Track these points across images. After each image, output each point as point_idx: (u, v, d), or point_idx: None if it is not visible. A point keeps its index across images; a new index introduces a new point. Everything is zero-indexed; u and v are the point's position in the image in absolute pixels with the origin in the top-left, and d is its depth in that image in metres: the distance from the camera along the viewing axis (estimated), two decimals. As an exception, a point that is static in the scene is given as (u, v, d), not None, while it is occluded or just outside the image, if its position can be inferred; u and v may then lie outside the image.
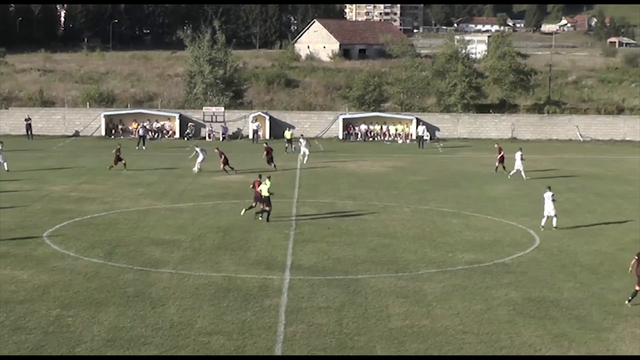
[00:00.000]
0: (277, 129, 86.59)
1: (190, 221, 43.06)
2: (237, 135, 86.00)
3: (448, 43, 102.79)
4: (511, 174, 59.46)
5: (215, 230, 40.88)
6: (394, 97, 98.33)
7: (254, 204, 43.83)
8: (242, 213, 44.01)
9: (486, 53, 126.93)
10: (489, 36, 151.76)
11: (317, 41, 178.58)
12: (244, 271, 33.06)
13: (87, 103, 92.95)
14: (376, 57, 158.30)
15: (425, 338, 25.73)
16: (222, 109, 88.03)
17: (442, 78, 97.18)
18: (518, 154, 59.70)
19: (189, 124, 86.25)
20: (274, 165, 62.04)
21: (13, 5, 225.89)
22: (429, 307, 28.69)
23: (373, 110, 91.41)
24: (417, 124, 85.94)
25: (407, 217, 44.97)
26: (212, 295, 29.70)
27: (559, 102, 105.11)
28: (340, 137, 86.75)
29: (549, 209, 42.26)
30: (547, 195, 42.49)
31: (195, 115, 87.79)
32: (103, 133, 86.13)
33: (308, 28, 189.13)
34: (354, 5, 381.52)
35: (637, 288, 28.91)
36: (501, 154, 61.77)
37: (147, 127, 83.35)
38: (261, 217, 43.22)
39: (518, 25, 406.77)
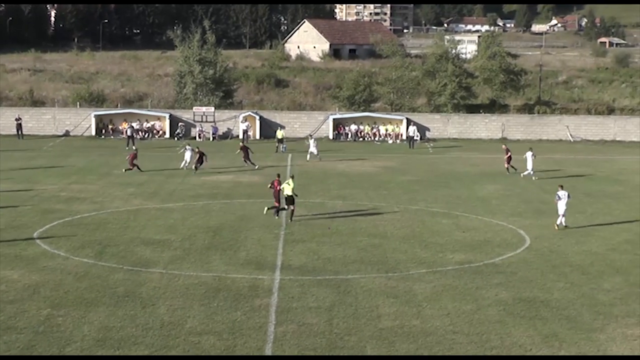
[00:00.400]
0: (267, 129, 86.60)
1: (181, 221, 43.02)
2: (227, 135, 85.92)
3: (438, 43, 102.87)
4: (524, 174, 59.63)
5: (206, 230, 40.85)
6: (384, 97, 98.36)
7: (276, 203, 44.14)
8: (264, 212, 44.20)
9: (476, 53, 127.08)
10: (479, 36, 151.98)
11: (307, 41, 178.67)
12: (234, 271, 33.04)
13: (78, 103, 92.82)
14: (366, 57, 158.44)
15: (415, 338, 25.74)
16: (212, 109, 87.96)
17: (432, 78, 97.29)
18: (529, 154, 59.97)
19: (179, 124, 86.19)
20: (252, 163, 62.70)
21: (3, 5, 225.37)
22: (419, 307, 28.70)
23: (363, 111, 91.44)
24: (408, 124, 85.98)
25: (397, 217, 44.99)
26: (202, 295, 29.67)
27: (549, 102, 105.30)
28: (331, 137, 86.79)
29: (562, 208, 42.42)
30: (562, 193, 42.69)
31: (185, 115, 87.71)
32: (93, 133, 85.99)
33: (298, 28, 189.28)
34: (344, 5, 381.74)
35: None
36: (509, 154, 62.02)
37: (136, 126, 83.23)
38: (277, 216, 43.64)
39: (508, 25, 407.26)
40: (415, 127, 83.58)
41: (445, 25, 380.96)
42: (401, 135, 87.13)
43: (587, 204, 49.72)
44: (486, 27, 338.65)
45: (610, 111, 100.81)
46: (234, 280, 31.71)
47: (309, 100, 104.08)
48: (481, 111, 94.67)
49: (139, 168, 60.11)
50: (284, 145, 75.07)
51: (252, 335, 25.70)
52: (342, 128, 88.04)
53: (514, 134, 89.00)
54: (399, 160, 70.54)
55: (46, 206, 46.32)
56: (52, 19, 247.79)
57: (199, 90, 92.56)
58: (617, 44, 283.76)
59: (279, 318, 27.32)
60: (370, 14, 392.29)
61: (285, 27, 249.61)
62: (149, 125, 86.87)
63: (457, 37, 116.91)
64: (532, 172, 59.44)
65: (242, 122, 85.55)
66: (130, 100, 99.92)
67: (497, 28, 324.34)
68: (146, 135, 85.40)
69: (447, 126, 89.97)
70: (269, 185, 45.30)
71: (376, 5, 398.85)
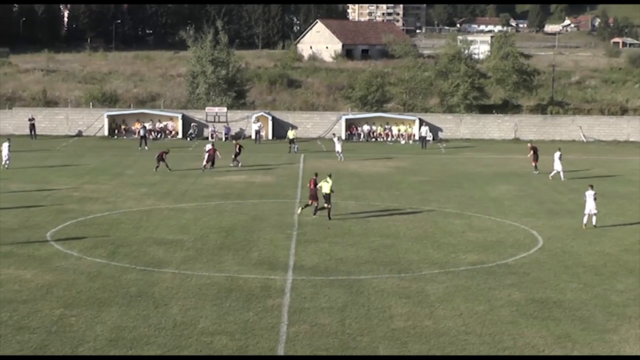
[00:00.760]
0: (280, 129, 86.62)
1: (193, 221, 43.07)
2: (239, 136, 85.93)
3: (451, 43, 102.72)
4: (552, 174, 59.59)
5: (218, 230, 40.89)
6: (396, 98, 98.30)
7: (309, 202, 44.50)
8: (298, 212, 44.69)
9: (489, 53, 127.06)
10: (491, 36, 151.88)
11: (319, 41, 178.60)
12: (247, 271, 33.05)
13: (90, 103, 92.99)
14: (379, 57, 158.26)
15: (427, 339, 25.71)
16: (225, 109, 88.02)
17: (444, 78, 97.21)
18: (557, 155, 59.98)
19: (192, 124, 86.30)
20: (238, 163, 62.93)
21: (16, 5, 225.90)
22: (432, 308, 28.66)
23: (376, 111, 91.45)
24: (420, 125, 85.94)
25: (410, 217, 44.96)
26: (214, 295, 29.69)
27: (562, 102, 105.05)
28: (343, 137, 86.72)
29: (590, 207, 42.67)
30: (589, 193, 42.93)
31: (197, 115, 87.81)
32: (106, 133, 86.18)
33: (310, 28, 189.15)
34: (356, 5, 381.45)
35: None
36: (535, 153, 62.11)
37: (149, 127, 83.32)
38: (315, 214, 43.92)
39: (521, 25, 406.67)
40: (427, 128, 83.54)
41: (458, 25, 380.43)
42: (413, 135, 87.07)
43: (600, 205, 49.37)
44: (499, 28, 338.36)
45: (624, 111, 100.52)
46: (246, 280, 31.73)
47: (321, 100, 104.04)
48: (494, 111, 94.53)
49: (167, 166, 60.54)
50: (297, 146, 75.10)
51: (264, 336, 25.70)
52: (355, 128, 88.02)
53: (527, 134, 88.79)
54: (411, 160, 70.49)
55: (59, 206, 46.42)
56: (65, 19, 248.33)
57: (212, 91, 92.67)
58: (630, 44, 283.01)
59: (292, 318, 27.32)
60: (383, 14, 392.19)
61: (298, 28, 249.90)
62: (161, 125, 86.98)
63: (470, 38, 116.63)
64: (561, 173, 59.36)
65: (254, 122, 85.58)
66: (142, 100, 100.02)
67: (509, 28, 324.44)
68: (159, 136, 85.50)
69: (459, 126, 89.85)
70: (308, 185, 45.66)
71: (389, 5, 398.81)
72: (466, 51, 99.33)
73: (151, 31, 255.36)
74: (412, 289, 30.96)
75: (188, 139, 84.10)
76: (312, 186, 44.54)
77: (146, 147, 75.32)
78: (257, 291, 30.27)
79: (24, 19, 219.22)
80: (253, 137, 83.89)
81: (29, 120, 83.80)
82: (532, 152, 62.94)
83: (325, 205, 43.79)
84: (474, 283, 31.81)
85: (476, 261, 35.34)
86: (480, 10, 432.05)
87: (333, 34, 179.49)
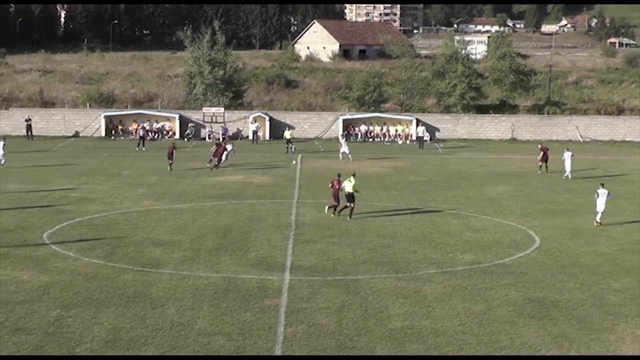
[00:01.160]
0: (277, 129, 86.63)
1: (190, 222, 43.06)
2: (237, 136, 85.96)
3: (448, 43, 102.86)
4: (566, 174, 59.75)
5: (215, 230, 40.89)
6: (393, 98, 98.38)
7: (336, 203, 44.75)
8: (326, 211, 44.97)
9: (486, 53, 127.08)
10: (488, 37, 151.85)
11: (316, 42, 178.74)
12: (244, 272, 33.05)
13: (87, 104, 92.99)
14: (376, 57, 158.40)
15: (425, 339, 25.72)
16: (222, 109, 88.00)
17: (442, 79, 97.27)
18: (567, 154, 60.09)
19: (189, 124, 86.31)
20: (214, 164, 62.85)
21: (13, 5, 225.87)
22: (429, 308, 28.68)
23: (373, 111, 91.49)
24: (417, 125, 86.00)
25: (407, 217, 44.96)
26: (212, 296, 29.69)
27: (559, 102, 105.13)
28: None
29: (600, 205, 43.02)
30: (602, 192, 43.21)
31: (195, 115, 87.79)
32: (103, 134, 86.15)
33: (308, 29, 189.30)
34: (353, 5, 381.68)
35: None
36: (544, 154, 62.25)
37: (147, 127, 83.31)
38: (338, 214, 44.30)
39: (518, 25, 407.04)
40: (424, 128, 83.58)
41: (455, 25, 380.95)
42: (411, 135, 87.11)
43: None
44: (496, 28, 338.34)
45: (620, 111, 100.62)
46: (243, 280, 31.73)
47: (318, 100, 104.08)
48: (491, 112, 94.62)
49: (171, 162, 61.14)
50: (294, 146, 75.10)
51: (261, 336, 25.71)
52: (352, 129, 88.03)
53: (524, 134, 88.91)
54: (408, 160, 70.51)
55: (56, 207, 46.37)
56: (62, 19, 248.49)
57: (209, 91, 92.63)
58: (626, 44, 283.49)
59: (289, 319, 27.32)
60: (380, 14, 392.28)
61: (295, 28, 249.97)
62: (158, 126, 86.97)
63: (467, 38, 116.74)
64: (569, 172, 59.65)
65: (251, 122, 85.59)
66: (140, 101, 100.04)
67: (506, 28, 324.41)
68: (156, 136, 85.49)
69: (456, 127, 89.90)
70: (330, 185, 45.98)
71: (386, 5, 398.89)
72: (463, 51, 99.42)
73: (148, 31, 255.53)
74: (410, 289, 30.97)
75: (185, 139, 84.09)
76: (335, 187, 44.87)
77: (144, 148, 75.34)
78: (254, 291, 30.27)
79: (20, 19, 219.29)
80: (250, 137, 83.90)
81: (26, 121, 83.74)
82: (542, 153, 63.06)
83: (348, 204, 44.07)
84: (471, 283, 31.83)
85: (473, 261, 35.35)
86: (477, 11, 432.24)
87: (330, 34, 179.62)
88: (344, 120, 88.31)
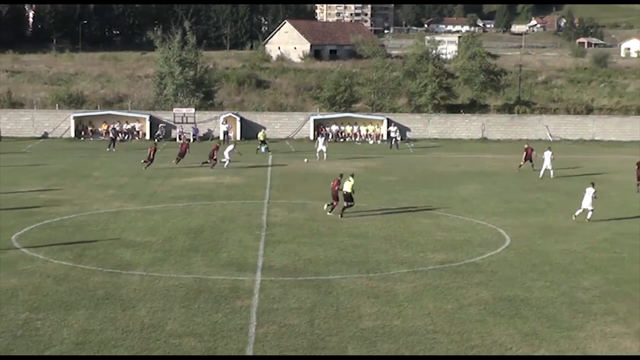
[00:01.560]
0: (248, 130, 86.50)
1: (161, 223, 42.89)
2: (207, 137, 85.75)
3: (418, 43, 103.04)
4: (542, 174, 60.05)
5: (186, 231, 40.75)
6: (364, 98, 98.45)
7: (333, 203, 45.15)
8: (325, 208, 45.33)
9: (456, 53, 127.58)
10: (459, 37, 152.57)
11: (287, 42, 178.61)
12: (215, 272, 32.96)
13: (57, 104, 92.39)
14: (347, 57, 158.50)
15: (396, 338, 25.75)
16: (193, 110, 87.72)
17: (412, 78, 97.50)
18: (547, 154, 60.40)
19: (160, 125, 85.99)
20: (176, 161, 63.75)
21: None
22: (401, 307, 28.70)
23: (344, 111, 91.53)
24: (389, 125, 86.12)
25: (378, 217, 45.00)
26: (183, 297, 29.58)
27: (528, 102, 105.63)
28: (311, 137, 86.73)
29: (586, 203, 43.93)
30: (589, 190, 44.13)
31: (165, 116, 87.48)
32: (72, 134, 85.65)
33: (279, 29, 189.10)
34: (324, 5, 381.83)
35: None
36: (529, 154, 62.65)
37: (117, 128, 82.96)
38: (340, 215, 44.43)
39: (488, 25, 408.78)
40: (396, 128, 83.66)
41: (426, 25, 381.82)
42: (382, 135, 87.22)
43: (567, 203, 49.81)
44: (466, 28, 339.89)
45: (589, 111, 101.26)
46: (214, 281, 31.64)
47: (289, 101, 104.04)
48: (461, 111, 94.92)
49: (149, 162, 61.63)
50: (266, 146, 75.03)
51: (233, 337, 25.65)
52: (323, 129, 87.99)
53: (494, 134, 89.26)
54: (379, 160, 70.59)
55: (25, 209, 45.99)
56: (31, 19, 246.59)
57: (180, 92, 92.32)
58: (595, 44, 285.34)
59: (260, 319, 27.27)
60: (351, 14, 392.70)
61: (266, 28, 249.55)
62: (128, 126, 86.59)
63: (438, 38, 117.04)
64: (551, 171, 60.23)
65: (222, 123, 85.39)
66: (110, 101, 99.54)
67: (477, 28, 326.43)
68: (126, 137, 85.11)
69: (427, 126, 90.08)
70: (332, 184, 46.17)
71: (357, 5, 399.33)
72: (434, 51, 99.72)
73: (118, 32, 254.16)
74: (381, 288, 30.99)
75: (156, 140, 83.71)
76: (335, 186, 45.16)
77: (114, 149, 75.00)
78: (225, 292, 30.19)
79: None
80: (221, 138, 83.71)
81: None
82: (525, 153, 63.48)
83: (346, 203, 44.55)
84: (442, 282, 31.89)
85: (444, 260, 35.43)
86: (448, 11, 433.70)
87: (301, 34, 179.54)
88: (315, 120, 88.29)
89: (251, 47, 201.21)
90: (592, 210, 43.96)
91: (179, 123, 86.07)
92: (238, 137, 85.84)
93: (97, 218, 43.96)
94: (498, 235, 40.87)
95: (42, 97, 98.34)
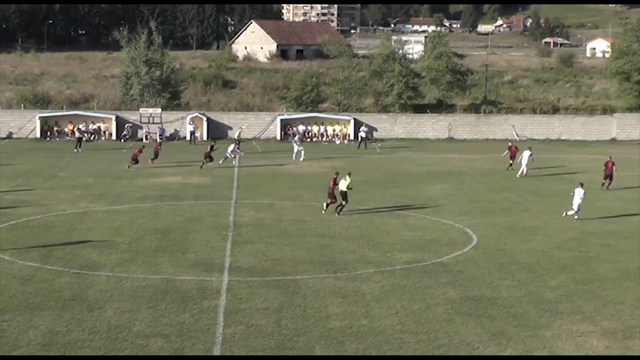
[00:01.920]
0: (215, 130, 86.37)
1: (128, 223, 42.72)
2: (174, 137, 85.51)
3: (385, 43, 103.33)
4: (519, 174, 60.36)
5: (153, 232, 40.60)
6: (331, 98, 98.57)
7: (329, 201, 45.73)
8: (323, 211, 45.62)
9: (423, 53, 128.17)
10: (425, 36, 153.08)
11: (254, 42, 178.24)
12: (182, 273, 32.86)
13: (22, 104, 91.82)
14: (314, 57, 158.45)
15: (364, 338, 25.77)
16: (159, 110, 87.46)
17: (379, 78, 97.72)
18: (526, 153, 60.83)
19: (126, 125, 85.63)
20: (152, 160, 63.78)
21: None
22: (368, 307, 28.73)
23: (311, 111, 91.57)
24: (356, 125, 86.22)
25: (346, 217, 45.02)
26: (150, 298, 29.47)
27: (495, 101, 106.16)
28: (278, 137, 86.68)
29: (575, 203, 44.45)
30: (578, 191, 44.66)
31: (132, 116, 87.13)
32: (38, 135, 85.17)
33: (245, 29, 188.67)
34: (291, 5, 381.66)
35: None
36: (514, 152, 63.12)
37: (83, 129, 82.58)
38: (338, 213, 45.03)
39: (454, 25, 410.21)
40: (367, 129, 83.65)
41: (392, 25, 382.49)
42: (349, 135, 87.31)
43: (533, 202, 50.15)
44: (433, 28, 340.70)
45: (555, 110, 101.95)
46: (182, 282, 31.55)
47: (256, 101, 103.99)
48: (428, 111, 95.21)
49: (135, 162, 62.15)
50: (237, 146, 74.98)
51: (200, 337, 25.58)
52: (290, 129, 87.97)
53: (461, 133, 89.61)
54: (346, 160, 70.59)
55: (-9, 209, 45.73)
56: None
57: (146, 92, 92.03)
58: (561, 44, 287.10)
59: (228, 320, 27.22)
60: (318, 14, 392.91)
61: (233, 28, 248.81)
62: (94, 127, 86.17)
63: (404, 38, 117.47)
64: (525, 170, 60.72)
65: (189, 123, 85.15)
66: (75, 101, 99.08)
67: (443, 28, 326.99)
68: (92, 137, 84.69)
69: (394, 126, 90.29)
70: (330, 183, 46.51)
71: (323, 5, 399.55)
72: (400, 51, 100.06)
73: (84, 32, 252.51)
74: (348, 288, 31.01)
75: (122, 140, 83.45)
76: (331, 184, 45.62)
77: (80, 149, 74.61)
78: (192, 293, 30.11)
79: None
80: (188, 138, 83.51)
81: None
82: (509, 151, 63.95)
83: (342, 202, 45.25)
84: (410, 282, 31.96)
85: (412, 260, 35.50)
86: (414, 11, 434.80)
87: (268, 34, 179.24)
88: (282, 120, 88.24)
89: (218, 47, 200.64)
90: (577, 212, 44.53)
91: (145, 123, 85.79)
92: (205, 137, 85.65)
93: (63, 219, 43.72)
94: (465, 234, 41.01)
95: (7, 98, 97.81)
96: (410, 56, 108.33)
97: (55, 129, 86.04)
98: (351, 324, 26.96)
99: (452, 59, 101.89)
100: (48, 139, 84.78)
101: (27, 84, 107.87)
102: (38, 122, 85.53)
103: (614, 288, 31.49)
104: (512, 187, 56.15)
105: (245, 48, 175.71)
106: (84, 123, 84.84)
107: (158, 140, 72.64)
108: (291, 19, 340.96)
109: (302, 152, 69.41)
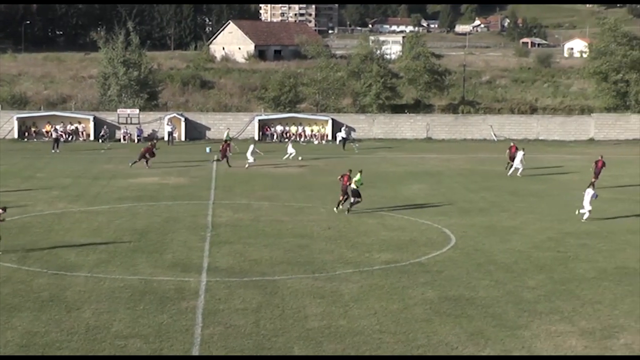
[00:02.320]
0: (192, 130, 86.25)
1: (106, 224, 42.60)
2: (152, 137, 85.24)
3: (363, 44, 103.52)
4: (510, 173, 60.54)
5: (131, 232, 40.50)
6: (309, 98, 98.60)
7: (341, 198, 45.99)
8: (335, 210, 45.84)
9: (401, 53, 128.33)
10: (403, 37, 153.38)
11: (232, 42, 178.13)
12: (161, 274, 32.79)
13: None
14: (291, 58, 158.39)
15: (342, 338, 25.78)
16: (137, 110, 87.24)
17: (357, 79, 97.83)
18: (520, 153, 60.88)
19: (104, 126, 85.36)
20: (146, 163, 63.33)
21: None
22: (346, 308, 28.75)
23: (289, 111, 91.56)
24: (333, 125, 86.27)
25: (324, 217, 45.04)
26: (128, 299, 29.40)
27: (473, 102, 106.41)
28: (256, 138, 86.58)
29: (586, 203, 44.64)
30: (588, 191, 44.80)
31: (109, 117, 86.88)
32: (16, 136, 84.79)
33: (223, 29, 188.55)
34: (268, 6, 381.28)
35: None
36: (513, 153, 63.16)
37: (60, 129, 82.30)
38: (349, 210, 45.36)
39: (432, 26, 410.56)
40: (348, 129, 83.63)
41: (370, 26, 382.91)
42: (327, 135, 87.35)
43: (511, 203, 50.29)
44: (410, 28, 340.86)
45: (533, 110, 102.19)
46: (160, 282, 31.49)
47: (234, 101, 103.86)
48: (406, 111, 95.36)
49: (140, 161, 62.31)
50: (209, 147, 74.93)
51: (178, 338, 25.54)
52: (268, 129, 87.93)
53: (439, 134, 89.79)
54: (324, 160, 70.60)
55: (-33, 210, 45.41)
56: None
57: (124, 92, 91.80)
58: (539, 44, 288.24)
59: (206, 320, 27.18)
60: (295, 14, 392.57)
61: (210, 29, 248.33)
62: (72, 127, 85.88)
63: (382, 38, 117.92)
64: (520, 171, 60.71)
65: (167, 124, 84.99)
66: (53, 102, 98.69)
67: (421, 29, 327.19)
68: (70, 138, 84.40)
69: (372, 126, 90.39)
70: (339, 178, 46.68)
71: (301, 6, 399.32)
72: (378, 51, 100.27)
73: (61, 32, 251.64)
74: (327, 288, 31.02)
75: (100, 141, 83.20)
76: (344, 181, 45.90)
77: (57, 150, 74.37)
78: (171, 293, 30.06)
79: None
80: (166, 138, 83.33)
81: None
82: (508, 150, 64.24)
83: (353, 199, 45.59)
84: (388, 282, 31.99)
85: (390, 260, 35.54)
86: (392, 11, 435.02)
87: (245, 34, 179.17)
88: (259, 120, 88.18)
89: (195, 47, 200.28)
90: (589, 212, 44.58)
91: (123, 124, 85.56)
92: (183, 138, 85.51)
93: (41, 219, 43.56)
94: (443, 234, 41.09)
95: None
96: (388, 56, 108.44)
97: (33, 129, 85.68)
98: (330, 324, 26.97)
99: (430, 59, 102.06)
100: (26, 139, 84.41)
101: (5, 84, 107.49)
102: (16, 123, 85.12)
103: (591, 288, 31.62)
104: (490, 187, 56.29)
105: (223, 48, 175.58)
106: (62, 124, 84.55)
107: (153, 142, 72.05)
108: (269, 20, 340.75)
109: (291, 155, 69.34)
